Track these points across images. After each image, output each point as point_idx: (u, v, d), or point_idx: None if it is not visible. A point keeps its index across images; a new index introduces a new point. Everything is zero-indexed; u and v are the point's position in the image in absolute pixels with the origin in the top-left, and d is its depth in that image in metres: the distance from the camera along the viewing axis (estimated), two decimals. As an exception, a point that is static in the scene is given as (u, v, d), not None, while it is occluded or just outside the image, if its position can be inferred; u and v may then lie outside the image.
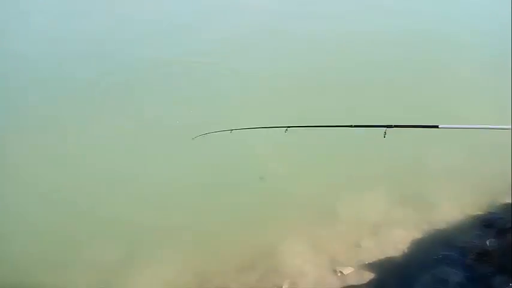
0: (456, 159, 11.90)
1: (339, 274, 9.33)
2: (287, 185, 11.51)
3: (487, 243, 9.33)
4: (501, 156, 12.14)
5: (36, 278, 9.39)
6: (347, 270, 9.36)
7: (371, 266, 9.41)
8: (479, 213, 10.67)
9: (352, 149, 12.67)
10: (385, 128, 3.63)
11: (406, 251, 9.80)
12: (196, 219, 10.83)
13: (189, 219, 10.82)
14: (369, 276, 9.18)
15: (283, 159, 12.32)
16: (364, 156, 12.61)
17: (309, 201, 11.14)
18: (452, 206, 10.96)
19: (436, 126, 3.39)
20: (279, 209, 10.97)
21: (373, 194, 11.22)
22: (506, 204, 10.72)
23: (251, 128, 6.15)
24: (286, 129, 5.08)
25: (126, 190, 11.89)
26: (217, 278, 9.55)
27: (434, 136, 12.31)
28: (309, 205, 11.03)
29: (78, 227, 10.81)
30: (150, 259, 9.86)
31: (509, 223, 9.59)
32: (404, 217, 10.68)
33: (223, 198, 11.37)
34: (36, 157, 13.10)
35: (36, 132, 14.18)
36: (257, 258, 9.88)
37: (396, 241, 10.06)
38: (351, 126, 4.15)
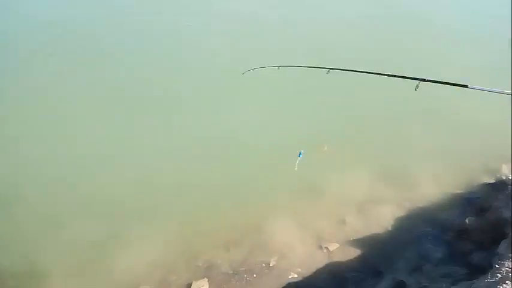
0: (437, 138, 12.26)
1: (325, 250, 9.51)
2: (275, 159, 11.53)
3: (467, 221, 9.66)
4: (480, 137, 12.60)
5: (17, 258, 9.09)
6: (333, 247, 9.55)
7: (356, 243, 9.64)
8: (459, 192, 11.07)
9: (338, 127, 12.86)
10: (418, 81, 3.59)
11: (389, 228, 10.07)
12: (181, 196, 10.71)
13: (174, 196, 10.69)
14: (354, 252, 9.40)
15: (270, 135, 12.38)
16: (349, 135, 12.79)
17: (297, 177, 11.19)
18: (433, 185, 11.30)
19: (466, 86, 3.33)
20: (266, 186, 10.98)
21: (357, 172, 11.40)
22: (485, 184, 11.15)
23: (297, 66, 5.98)
24: (329, 71, 5.00)
25: (109, 166, 11.62)
26: (203, 255, 9.53)
27: (416, 116, 12.64)
28: (296, 181, 11.06)
29: (59, 206, 10.48)
30: (135, 237, 9.67)
31: (488, 202, 9.94)
32: (387, 195, 10.94)
33: (209, 173, 11.29)
34: (11, 130, 12.58)
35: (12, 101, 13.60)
36: (244, 234, 9.91)
37: (380, 218, 10.32)
38: (387, 75, 4.12)
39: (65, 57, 16.26)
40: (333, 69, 5.01)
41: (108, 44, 17.54)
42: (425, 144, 12.13)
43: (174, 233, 9.89)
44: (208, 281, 9.05)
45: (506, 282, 5.31)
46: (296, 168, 8.61)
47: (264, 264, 9.35)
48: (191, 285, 8.96)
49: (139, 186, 11.06)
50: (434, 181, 11.33)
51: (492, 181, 11.29)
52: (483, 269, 7.97)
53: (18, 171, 11.24)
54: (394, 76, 4.06)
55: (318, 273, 9.05)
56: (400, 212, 10.46)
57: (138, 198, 10.68)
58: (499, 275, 5.82)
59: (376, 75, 4.29)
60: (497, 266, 6.25)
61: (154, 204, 10.52)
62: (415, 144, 12.28)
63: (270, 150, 11.88)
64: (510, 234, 7.69)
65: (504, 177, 11.29)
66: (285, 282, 8.94)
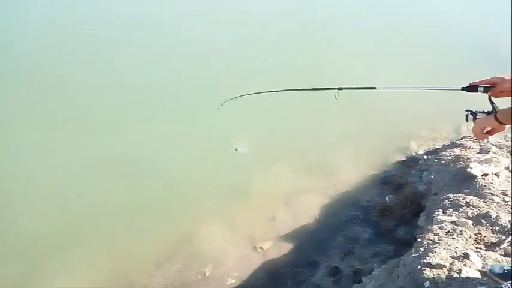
0: (351, 127, 12.81)
1: (259, 250, 9.48)
2: (192, 166, 11.33)
3: (387, 199, 10.20)
4: (386, 119, 13.40)
5: None
6: (266, 245, 9.56)
7: (288, 237, 9.73)
8: (376, 173, 11.63)
9: (256, 126, 12.95)
10: (336, 90, 4.06)
11: (317, 216, 10.30)
12: (102, 218, 10.10)
13: (95, 219, 10.05)
14: (287, 247, 9.48)
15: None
16: (267, 131, 12.92)
17: (219, 180, 11.09)
18: (351, 170, 11.77)
19: (374, 88, 3.88)
20: (190, 195, 10.72)
21: (278, 168, 11.56)
22: (398, 162, 11.85)
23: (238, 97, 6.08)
24: (269, 94, 5.17)
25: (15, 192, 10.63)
26: (136, 278, 9.03)
27: (331, 105, 13.06)
28: (219, 184, 10.96)
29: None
30: (58, 270, 8.96)
31: (403, 178, 10.56)
32: (311, 185, 11.19)
33: (128, 191, 10.78)
34: None
35: None
36: (175, 248, 9.58)
37: (307, 209, 10.52)
38: (308, 89, 4.57)
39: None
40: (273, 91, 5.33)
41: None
42: (338, 134, 12.63)
43: (99, 260, 9.25)
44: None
45: (429, 254, 5.60)
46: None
47: (199, 276, 9.08)
48: (127, 311, 8.53)
49: (53, 212, 10.22)
50: (352, 166, 11.80)
51: (404, 158, 12.04)
52: (408, 243, 8.44)
53: None
54: (316, 89, 4.56)
55: (255, 273, 8.99)
56: (325, 200, 10.73)
57: (54, 226, 9.86)
58: (422, 248, 6.14)
59: (300, 91, 4.75)
60: (419, 239, 6.60)
61: (74, 231, 9.78)
62: (328, 135, 12.73)
63: (186, 160, 11.66)
64: (426, 207, 8.21)
65: (414, 154, 12.09)
66: (223, 289, 8.80)
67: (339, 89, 4.04)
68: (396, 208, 9.73)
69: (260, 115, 13.14)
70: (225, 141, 12.27)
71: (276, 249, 9.47)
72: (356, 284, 7.25)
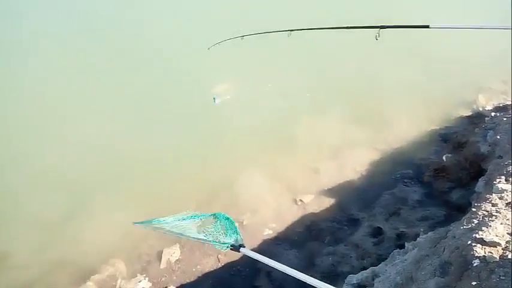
0: (409, 73, 11.65)
1: (299, 202, 9.12)
2: (241, 111, 10.91)
3: (444, 158, 9.30)
4: (450, 67, 12.03)
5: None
6: (307, 198, 9.15)
7: (331, 191, 9.25)
8: (435, 128, 10.62)
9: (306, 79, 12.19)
10: (378, 29, 3.18)
11: (364, 173, 9.67)
12: (146, 161, 10.13)
13: (139, 162, 10.11)
14: (329, 201, 9.02)
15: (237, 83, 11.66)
16: (318, 81, 12.11)
17: (265, 127, 10.65)
18: (407, 122, 10.83)
19: (427, 26, 2.99)
20: (233, 141, 10.39)
21: (328, 116, 10.87)
22: (461, 118, 10.70)
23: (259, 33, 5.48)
24: (290, 33, 4.53)
25: (69, 138, 10.88)
26: (173, 218, 9.02)
27: (385, 56, 11.93)
28: (265, 131, 10.52)
29: (18, 180, 9.83)
30: (101, 208, 9.15)
31: (465, 137, 9.53)
32: (360, 137, 10.47)
33: (174, 134, 10.65)
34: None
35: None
36: (214, 194, 9.46)
37: (354, 163, 9.90)
38: (346, 27, 3.73)
39: None
40: (293, 30, 4.54)
41: None
42: (396, 82, 11.55)
43: (141, 200, 9.36)
44: (180, 246, 8.66)
45: (483, 229, 4.90)
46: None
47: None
48: (162, 252, 8.59)
49: (101, 155, 10.41)
50: (408, 119, 10.86)
51: (468, 114, 10.85)
52: (462, 209, 7.68)
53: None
54: (354, 28, 3.78)
55: (293, 226, 8.70)
56: (375, 155, 10.04)
57: (100, 168, 10.07)
58: (475, 220, 5.43)
59: (336, 29, 3.96)
60: (474, 209, 5.85)
61: (118, 173, 9.94)
62: (386, 83, 11.69)
63: (235, 105, 11.22)
64: (487, 171, 7.31)
65: (481, 109, 10.84)
66: (259, 239, 8.59)
67: (381, 27, 3.23)
68: (453, 169, 8.83)
69: (301, 54, 12.25)
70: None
71: (317, 203, 9.04)
72: (397, 249, 6.70)
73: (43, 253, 8.47)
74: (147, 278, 8.26)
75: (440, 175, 8.98)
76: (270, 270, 7.76)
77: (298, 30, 4.49)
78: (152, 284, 8.09)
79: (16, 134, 10.83)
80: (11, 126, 11.08)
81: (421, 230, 7.33)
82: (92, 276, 8.31)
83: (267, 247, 8.36)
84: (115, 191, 9.53)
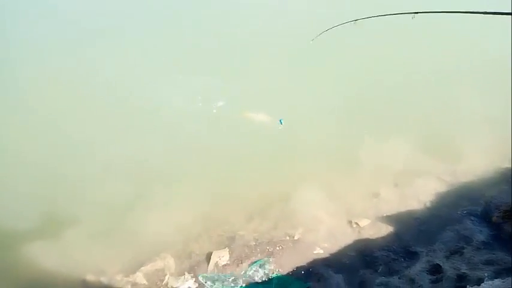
0: (489, 105, 10.98)
1: (355, 225, 8.85)
2: (304, 128, 10.80)
3: (517, 200, 8.66)
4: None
5: (39, 218, 8.98)
6: (363, 222, 8.87)
7: (389, 219, 8.90)
8: (509, 166, 9.91)
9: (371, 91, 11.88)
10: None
11: (427, 204, 9.22)
12: (209, 162, 10.33)
13: (202, 162, 10.34)
14: (386, 229, 8.69)
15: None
16: (387, 96, 11.74)
17: (327, 145, 10.47)
18: (481, 157, 10.19)
19: None
20: (295, 155, 10.32)
21: (396, 141, 10.47)
22: (539, 159, 9.94)
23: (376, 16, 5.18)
24: (413, 16, 4.23)
25: (138, 129, 11.34)
26: (227, 224, 9.21)
27: (466, 79, 11.29)
28: (327, 150, 10.34)
29: (86, 167, 10.37)
30: (161, 201, 9.45)
31: (543, 180, 8.85)
32: (428, 166, 10.02)
33: (237, 141, 10.77)
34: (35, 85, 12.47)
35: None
36: (270, 204, 9.47)
37: (418, 193, 9.48)
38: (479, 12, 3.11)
39: None
40: (418, 13, 4.00)
41: None
42: (474, 111, 10.90)
43: (199, 199, 9.54)
44: (229, 251, 8.69)
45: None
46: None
47: (288, 237, 8.84)
48: (211, 254, 8.65)
49: (168, 149, 10.77)
50: (482, 153, 10.19)
51: (548, 155, 10.04)
52: (532, 257, 7.12)
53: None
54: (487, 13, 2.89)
55: (346, 249, 8.45)
56: (441, 187, 9.54)
57: (165, 162, 10.39)
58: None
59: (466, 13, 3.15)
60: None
61: (182, 169, 10.26)
62: (462, 111, 11.07)
63: (302, 118, 11.11)
64: None
65: None
66: (309, 257, 8.43)
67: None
68: (526, 213, 8.21)
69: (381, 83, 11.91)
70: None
71: (373, 229, 8.73)
72: (458, 292, 6.31)
73: (102, 238, 8.82)
74: (194, 278, 8.36)
75: (511, 218, 8.37)
76: None
77: (423, 12, 3.92)
78: (199, 285, 8.18)
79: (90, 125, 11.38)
80: (87, 115, 11.67)
81: (485, 274, 6.84)
82: (142, 267, 8.57)
83: (316, 266, 8.18)
84: (176, 186, 9.81)
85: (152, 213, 9.18)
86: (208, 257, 8.63)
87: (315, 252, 8.52)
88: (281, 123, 9.85)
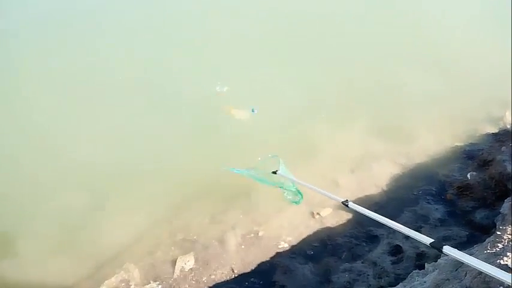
0: (435, 87, 11.35)
1: (317, 216, 8.94)
2: (260, 122, 10.80)
3: (468, 176, 9.03)
4: (480, 81, 11.69)
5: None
6: (325, 212, 8.97)
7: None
8: (460, 144, 10.29)
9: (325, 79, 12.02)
10: None
11: (384, 187, 9.43)
12: (164, 165, 10.15)
13: (157, 164, 10.15)
14: (347, 216, 8.82)
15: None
16: (339, 88, 11.91)
17: (284, 136, 10.51)
18: (431, 137, 10.54)
19: None
20: (253, 150, 10.26)
21: (349, 128, 10.68)
22: (488, 135, 10.35)
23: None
24: None
25: (89, 133, 11.01)
26: (189, 227, 9.10)
27: (412, 63, 11.65)
28: (285, 143, 10.36)
29: (43, 175, 9.96)
30: (119, 209, 9.23)
31: (491, 155, 9.22)
32: (382, 150, 10.25)
33: (194, 140, 10.68)
34: None
35: None
36: (231, 204, 9.38)
37: (375, 177, 9.67)
38: None
39: None
40: None
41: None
42: (421, 93, 11.25)
43: (158, 204, 9.35)
44: (194, 255, 8.57)
45: (507, 254, 4.67)
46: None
47: (252, 235, 8.82)
48: (176, 260, 8.52)
49: (121, 154, 10.47)
50: (432, 133, 10.54)
51: (495, 131, 10.47)
52: (486, 229, 7.43)
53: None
54: None
55: (310, 240, 8.52)
56: (396, 170, 9.77)
57: (119, 167, 10.10)
58: (500, 245, 5.19)
59: None
60: (498, 232, 5.60)
61: (137, 173, 9.98)
62: (410, 94, 11.39)
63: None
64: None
65: (508, 126, 10.46)
66: (274, 252, 8.43)
67: None
68: (478, 188, 8.57)
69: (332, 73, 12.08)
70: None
71: (335, 218, 8.84)
72: (417, 270, 6.49)
73: (60, 253, 8.51)
74: (160, 286, 8.21)
75: (464, 194, 8.70)
76: (285, 285, 7.63)
77: None
78: (166, 293, 8.05)
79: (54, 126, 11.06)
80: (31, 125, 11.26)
81: (442, 250, 7.08)
82: (106, 281, 8.30)
83: (282, 260, 8.18)
84: (132, 192, 9.57)
85: (111, 223, 8.94)
86: (174, 263, 8.49)
87: (279, 246, 8.54)
88: (253, 111, 9.81)
